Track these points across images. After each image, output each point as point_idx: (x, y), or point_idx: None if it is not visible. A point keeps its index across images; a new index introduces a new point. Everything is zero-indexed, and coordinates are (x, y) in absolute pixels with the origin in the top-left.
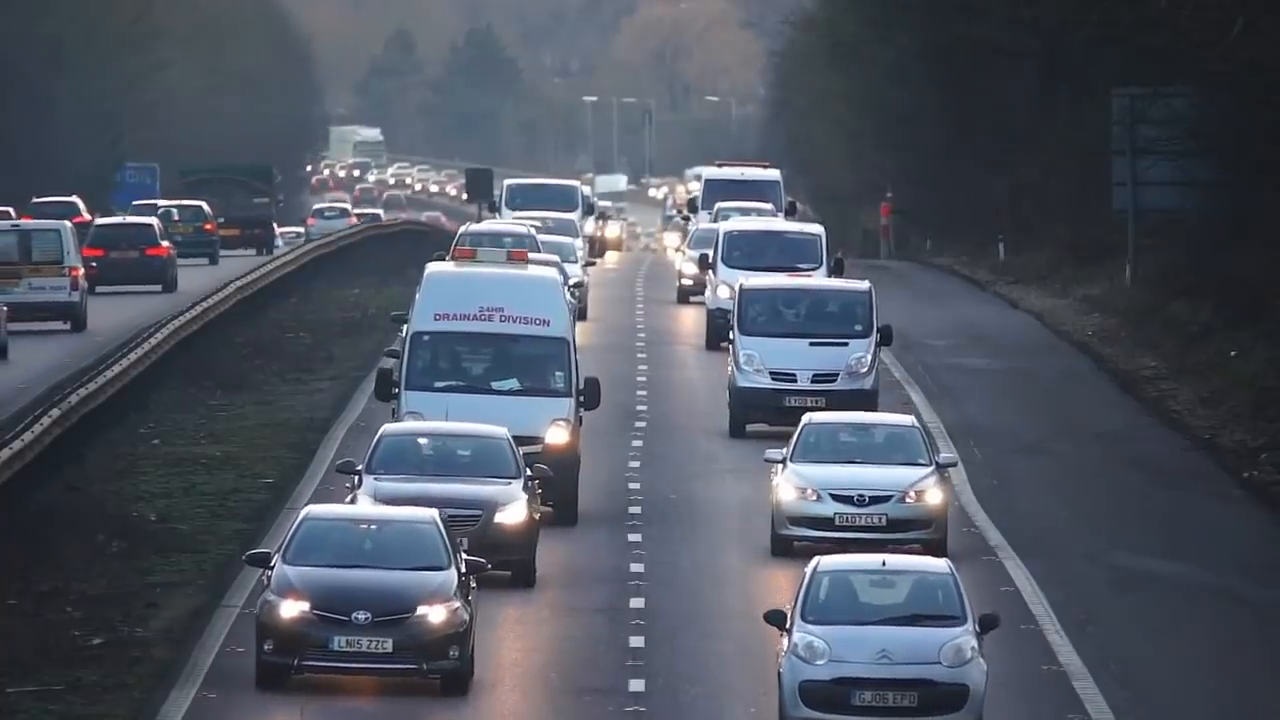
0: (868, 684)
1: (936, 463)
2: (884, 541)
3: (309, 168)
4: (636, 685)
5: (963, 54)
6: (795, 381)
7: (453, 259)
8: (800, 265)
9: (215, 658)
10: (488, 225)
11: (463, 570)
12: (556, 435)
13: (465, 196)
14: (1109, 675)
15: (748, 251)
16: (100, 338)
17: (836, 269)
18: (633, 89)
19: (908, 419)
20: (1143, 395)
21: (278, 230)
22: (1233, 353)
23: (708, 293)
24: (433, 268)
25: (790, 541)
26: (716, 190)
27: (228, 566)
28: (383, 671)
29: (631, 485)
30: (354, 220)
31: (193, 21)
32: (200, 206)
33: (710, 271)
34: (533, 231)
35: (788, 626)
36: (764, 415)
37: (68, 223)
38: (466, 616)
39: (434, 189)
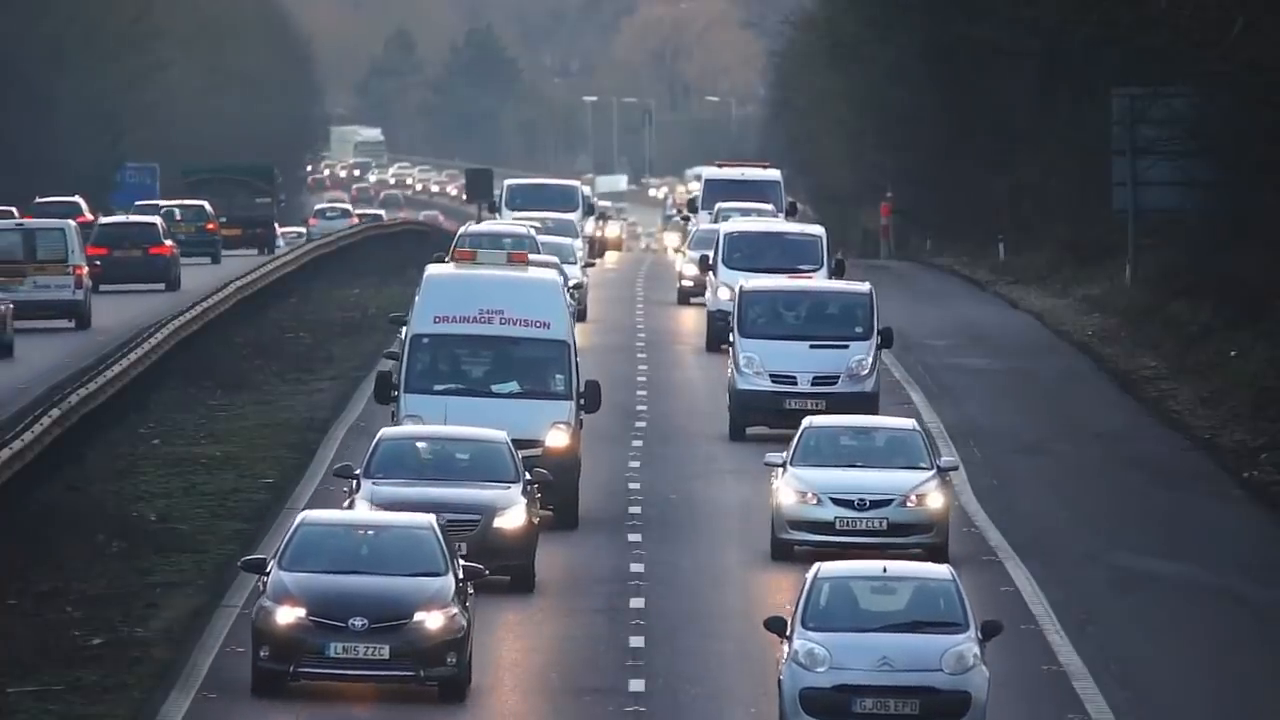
0: (869, 691)
1: (938, 466)
2: (885, 546)
3: (309, 168)
4: (636, 685)
5: (963, 54)
6: (795, 384)
7: (453, 260)
8: (801, 267)
9: (215, 658)
10: (487, 226)
11: (460, 576)
12: (557, 438)
13: (465, 197)
14: (1109, 675)
15: (748, 253)
16: (105, 336)
17: (837, 270)
18: (633, 89)
19: (909, 422)
20: (1143, 395)
21: (279, 230)
22: (1233, 353)
23: (708, 294)
24: (432, 270)
25: (791, 546)
26: (716, 190)
27: (228, 566)
28: (379, 678)
29: (631, 485)
30: (356, 220)
31: (193, 21)
32: (203, 206)
33: (710, 273)
34: (532, 232)
35: (788, 633)
36: (764, 418)
37: (72, 222)
38: (464, 623)
39: (434, 189)
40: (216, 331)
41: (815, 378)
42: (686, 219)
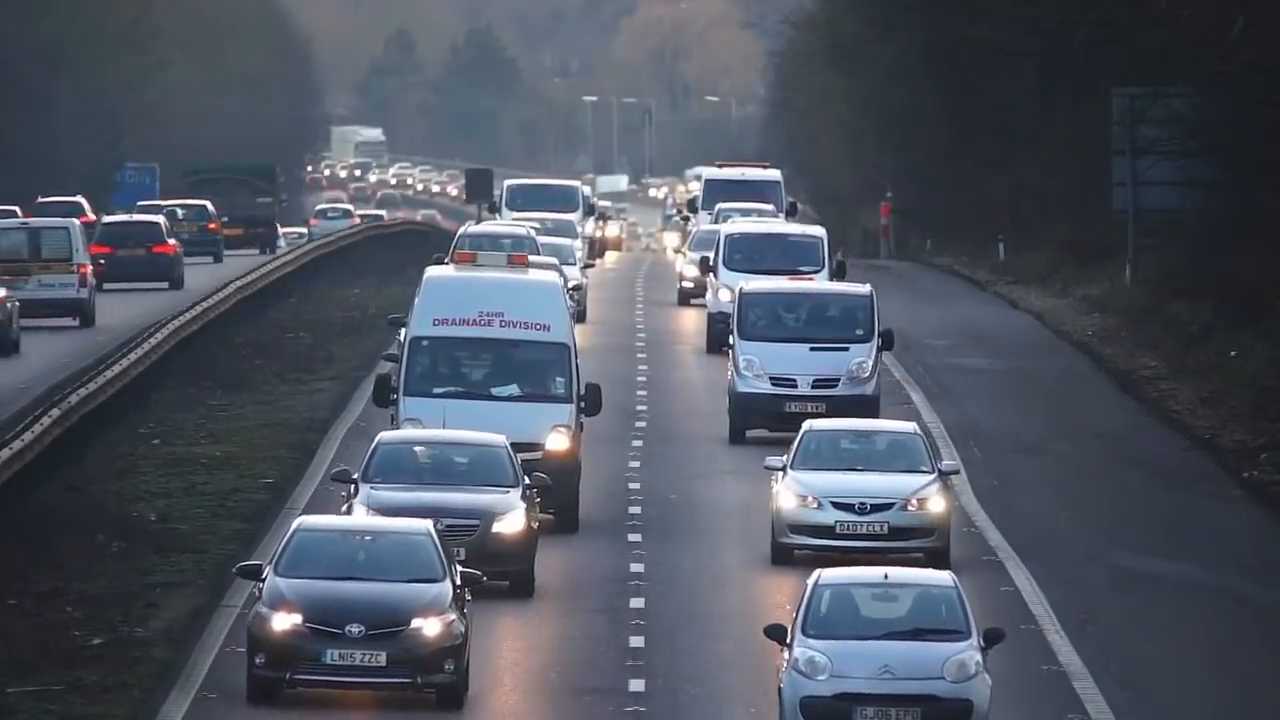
0: (870, 700)
1: (939, 470)
2: (885, 550)
3: (309, 168)
4: (636, 685)
5: (963, 54)
6: (796, 387)
7: (452, 262)
8: (802, 268)
9: (215, 658)
10: (486, 227)
11: (458, 582)
12: (557, 442)
13: (465, 197)
14: (1109, 675)
15: (749, 254)
16: (108, 335)
17: (839, 272)
18: (633, 89)
19: (910, 426)
20: (1143, 395)
21: (280, 230)
22: (1233, 353)
23: (709, 296)
24: (432, 271)
25: (791, 550)
26: (717, 191)
27: (228, 567)
28: (376, 685)
29: (631, 486)
30: (357, 220)
31: (193, 21)
32: (204, 206)
33: (711, 274)
34: (531, 233)
35: (788, 641)
36: (764, 421)
37: (76, 220)
38: (462, 629)
39: (435, 189)
40: (217, 331)
41: (815, 380)
42: (686, 219)
